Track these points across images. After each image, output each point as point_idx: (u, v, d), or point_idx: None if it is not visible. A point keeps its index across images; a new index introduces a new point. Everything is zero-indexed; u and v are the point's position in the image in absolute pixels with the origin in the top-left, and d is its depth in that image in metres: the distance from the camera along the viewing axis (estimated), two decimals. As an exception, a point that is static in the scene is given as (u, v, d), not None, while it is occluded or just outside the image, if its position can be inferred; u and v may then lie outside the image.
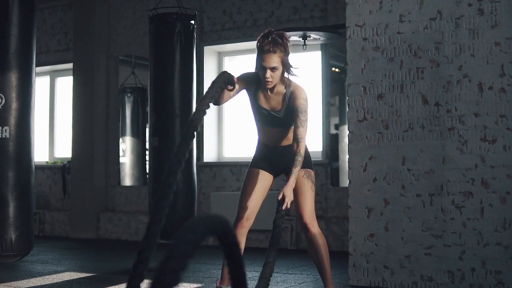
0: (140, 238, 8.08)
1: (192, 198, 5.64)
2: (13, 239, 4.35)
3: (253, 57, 3.70)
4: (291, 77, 3.68)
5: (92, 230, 8.40)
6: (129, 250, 7.14)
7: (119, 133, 8.49)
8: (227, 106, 7.93)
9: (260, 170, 3.78)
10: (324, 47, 7.18)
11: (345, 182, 6.94)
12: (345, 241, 6.52)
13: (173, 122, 5.58)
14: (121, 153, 8.48)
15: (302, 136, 3.61)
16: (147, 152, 8.16)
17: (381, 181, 4.56)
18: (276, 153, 3.78)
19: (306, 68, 7.50)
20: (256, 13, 7.59)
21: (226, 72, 3.44)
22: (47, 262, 5.89)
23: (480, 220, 4.27)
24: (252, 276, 5.06)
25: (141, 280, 2.21)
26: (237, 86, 3.62)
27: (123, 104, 8.52)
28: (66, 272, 5.32)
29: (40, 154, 9.05)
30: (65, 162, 8.77)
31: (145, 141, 8.31)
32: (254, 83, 3.71)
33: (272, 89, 3.68)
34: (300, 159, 3.57)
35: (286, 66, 3.61)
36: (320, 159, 7.12)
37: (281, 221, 3.52)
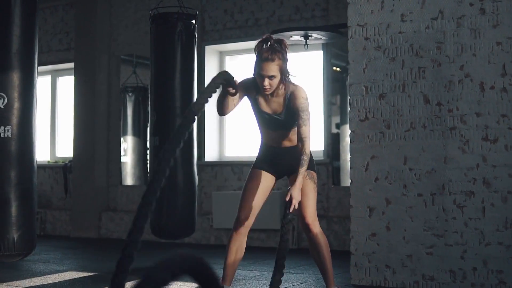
0: (142, 237, 8.08)
1: (192, 197, 5.65)
2: (15, 239, 4.36)
3: (254, 56, 3.70)
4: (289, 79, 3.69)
5: (93, 230, 8.41)
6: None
7: (121, 132, 8.50)
8: (228, 105, 7.94)
9: (263, 171, 3.79)
10: (325, 47, 7.18)
11: (346, 181, 6.94)
12: (347, 240, 6.52)
13: (174, 122, 5.59)
14: (122, 153, 8.49)
15: (306, 135, 3.61)
16: (148, 152, 8.17)
17: (382, 180, 4.56)
18: (279, 154, 3.78)
19: (308, 68, 7.51)
20: (257, 12, 7.59)
21: (226, 72, 3.43)
22: (49, 262, 5.90)
23: (481, 219, 4.27)
24: (254, 275, 5.07)
25: (125, 278, 2.12)
26: (238, 94, 3.63)
27: (125, 103, 8.52)
28: (68, 272, 5.33)
29: (41, 154, 9.05)
30: (67, 162, 8.77)
31: (146, 141, 8.32)
32: (254, 88, 3.72)
33: (272, 93, 3.69)
34: (306, 158, 3.57)
35: (284, 73, 3.61)
36: (322, 158, 7.12)
37: (289, 226, 3.48)
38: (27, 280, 4.85)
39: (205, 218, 7.63)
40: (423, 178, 4.45)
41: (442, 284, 4.35)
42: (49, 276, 5.05)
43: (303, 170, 3.57)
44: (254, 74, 3.67)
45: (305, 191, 3.70)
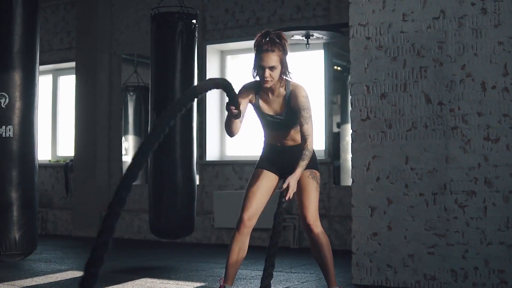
0: (143, 236, 8.10)
1: (192, 196, 5.65)
2: (16, 238, 4.36)
3: (254, 54, 3.70)
4: (289, 76, 3.69)
5: (94, 229, 8.41)
6: (132, 249, 7.15)
7: (122, 131, 8.50)
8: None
9: (266, 171, 3.79)
10: (326, 46, 7.18)
11: (347, 180, 6.94)
12: (348, 240, 6.52)
13: (174, 121, 5.58)
14: (123, 152, 8.49)
15: (308, 133, 3.61)
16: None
17: (384, 180, 4.56)
18: (283, 153, 3.78)
19: (309, 67, 7.51)
20: (258, 11, 7.59)
21: (230, 85, 3.33)
22: (50, 261, 5.90)
23: (483, 219, 4.27)
24: (255, 275, 5.07)
25: (95, 280, 2.00)
26: (243, 105, 3.66)
27: (126, 102, 8.53)
28: (69, 271, 5.33)
29: (43, 153, 9.06)
30: (68, 161, 8.78)
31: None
32: (254, 93, 3.72)
33: (272, 92, 3.67)
34: (307, 153, 3.58)
35: (284, 66, 3.60)
36: (323, 157, 7.12)
37: (283, 215, 3.50)
38: (29, 279, 4.85)
39: (206, 218, 7.63)
40: (424, 177, 4.45)
41: (444, 283, 4.35)
42: (50, 275, 5.06)
43: (303, 163, 3.58)
44: (253, 68, 3.64)
45: (307, 191, 3.70)
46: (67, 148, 9.21)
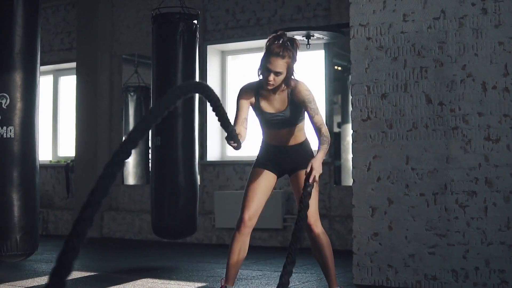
0: (144, 237, 8.10)
1: (194, 196, 5.65)
2: (18, 239, 4.36)
3: (256, 56, 3.71)
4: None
5: (95, 229, 8.42)
6: (133, 249, 7.16)
7: (123, 131, 8.50)
8: (229, 105, 7.94)
9: (265, 170, 3.79)
10: (327, 46, 7.19)
11: (347, 180, 6.94)
12: (349, 240, 6.52)
13: (176, 122, 5.60)
14: (124, 152, 8.47)
15: (320, 122, 3.60)
16: (149, 151, 8.18)
17: (385, 180, 4.56)
18: (283, 152, 3.78)
19: (310, 67, 7.51)
20: (259, 12, 7.59)
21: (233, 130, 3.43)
22: (51, 261, 5.90)
23: (484, 219, 4.27)
24: (256, 275, 5.07)
25: (67, 273, 1.85)
26: (245, 108, 3.68)
27: (126, 103, 8.53)
28: (71, 271, 5.33)
29: (43, 153, 9.07)
30: (69, 161, 8.78)
31: (148, 140, 8.31)
32: (254, 94, 3.72)
33: (274, 90, 3.68)
34: (325, 138, 3.56)
35: (290, 73, 3.60)
36: (324, 157, 7.11)
37: (307, 200, 3.37)
38: (30, 280, 4.86)
39: (207, 218, 7.63)
40: (425, 177, 4.45)
41: (444, 283, 4.35)
42: (51, 276, 5.05)
43: (324, 146, 3.54)
44: (260, 69, 3.63)
45: (307, 191, 3.70)
46: (68, 149, 9.22)
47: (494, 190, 4.25)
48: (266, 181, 3.78)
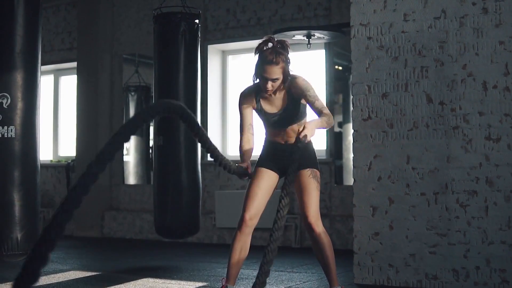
0: (145, 236, 8.10)
1: (196, 195, 5.66)
2: (18, 238, 4.37)
3: (255, 57, 3.70)
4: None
5: (96, 229, 8.42)
6: (134, 249, 7.16)
7: (123, 131, 8.49)
8: (230, 104, 7.95)
9: (267, 170, 3.79)
10: (328, 46, 7.18)
11: (348, 180, 6.94)
12: (349, 239, 6.53)
13: (178, 121, 5.59)
14: (125, 152, 8.49)
15: (321, 106, 3.62)
16: (150, 151, 8.18)
17: (385, 179, 4.57)
18: (285, 151, 3.78)
19: (310, 67, 7.51)
20: (259, 11, 7.59)
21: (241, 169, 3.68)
22: (52, 261, 5.90)
23: (484, 218, 4.27)
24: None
25: (34, 280, 1.77)
26: (248, 114, 3.75)
27: (127, 102, 8.53)
28: (71, 271, 5.34)
29: (44, 153, 9.06)
30: (69, 161, 8.78)
31: (149, 140, 8.33)
32: (254, 97, 3.75)
33: (274, 91, 3.70)
34: (325, 117, 3.57)
35: (286, 75, 3.63)
36: (324, 157, 7.13)
37: (295, 167, 3.35)
38: (31, 279, 4.85)
39: (208, 217, 7.63)
40: (426, 177, 4.45)
41: (445, 283, 4.35)
42: (52, 275, 5.06)
43: (323, 118, 3.55)
44: (255, 76, 3.68)
45: (308, 190, 3.71)
46: (68, 148, 9.22)
47: (495, 190, 4.25)
48: (268, 181, 3.79)
